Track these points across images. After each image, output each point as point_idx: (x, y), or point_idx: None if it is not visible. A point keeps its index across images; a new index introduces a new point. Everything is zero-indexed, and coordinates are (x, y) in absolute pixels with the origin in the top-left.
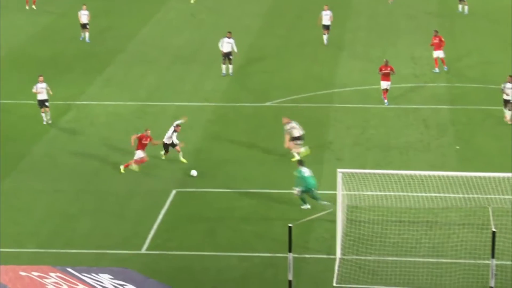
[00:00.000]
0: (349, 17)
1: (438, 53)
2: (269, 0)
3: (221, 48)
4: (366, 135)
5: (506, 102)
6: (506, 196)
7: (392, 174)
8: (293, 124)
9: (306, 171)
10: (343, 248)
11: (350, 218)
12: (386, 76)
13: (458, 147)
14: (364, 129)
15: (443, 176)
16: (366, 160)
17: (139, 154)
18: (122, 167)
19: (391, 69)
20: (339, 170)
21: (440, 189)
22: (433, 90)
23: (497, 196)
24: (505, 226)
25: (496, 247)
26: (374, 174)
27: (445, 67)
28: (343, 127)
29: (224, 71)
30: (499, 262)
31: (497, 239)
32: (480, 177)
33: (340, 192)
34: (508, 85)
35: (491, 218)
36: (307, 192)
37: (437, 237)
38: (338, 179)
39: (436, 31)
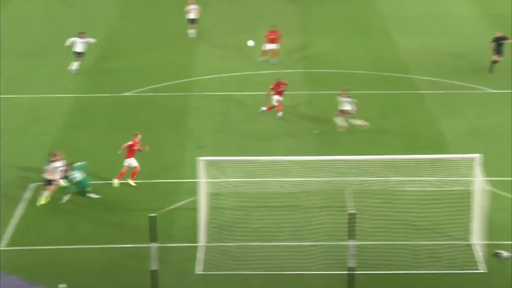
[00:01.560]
0: (207, 3)
1: (271, 46)
2: None
3: (67, 44)
4: (227, 122)
5: (342, 111)
6: (362, 178)
7: (254, 161)
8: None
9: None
10: (207, 235)
11: (213, 206)
12: (279, 93)
13: (316, 132)
14: (224, 117)
15: (303, 161)
16: (227, 147)
17: (133, 162)
18: (116, 181)
19: (284, 85)
20: (200, 158)
21: (301, 173)
22: (291, 76)
23: (353, 178)
24: (362, 207)
25: (354, 228)
26: (236, 161)
27: (276, 60)
28: (203, 115)
29: (75, 67)
30: (358, 243)
31: (355, 220)
32: (338, 160)
33: (202, 180)
34: (342, 98)
35: (348, 200)
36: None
37: (298, 221)
38: (199, 167)
39: (274, 26)
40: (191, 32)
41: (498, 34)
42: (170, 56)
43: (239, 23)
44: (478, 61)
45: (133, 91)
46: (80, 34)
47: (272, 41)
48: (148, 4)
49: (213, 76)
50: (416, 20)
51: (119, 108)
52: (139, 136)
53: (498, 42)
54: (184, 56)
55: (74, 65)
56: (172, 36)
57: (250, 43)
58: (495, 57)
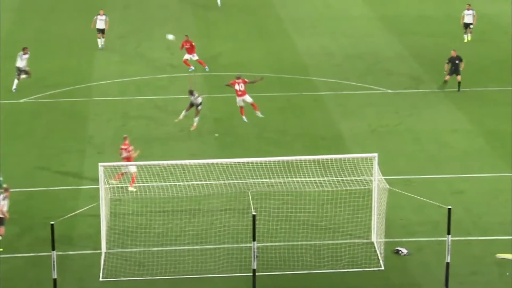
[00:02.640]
0: (103, 9)
1: (191, 56)
2: None
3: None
4: (127, 127)
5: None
6: (263, 180)
7: (154, 165)
8: None
9: None
10: (108, 242)
11: (114, 212)
12: (242, 92)
13: (217, 135)
14: (124, 122)
15: (204, 164)
16: None
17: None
18: (131, 188)
19: (245, 82)
20: (100, 164)
21: (202, 177)
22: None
23: (255, 181)
24: (264, 209)
25: (256, 229)
26: (136, 165)
27: (206, 67)
28: (103, 120)
29: (15, 86)
30: (260, 244)
31: (257, 222)
32: (239, 162)
33: (103, 186)
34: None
35: (251, 202)
36: None
37: (201, 224)
38: (100, 173)
39: (187, 36)
40: (100, 41)
41: (453, 53)
42: (67, 62)
43: (136, 28)
44: (375, 62)
45: (29, 98)
46: (24, 50)
47: (190, 51)
48: (44, 9)
49: (112, 81)
50: (314, 21)
51: (15, 115)
52: (128, 139)
53: (454, 62)
54: (82, 62)
55: (15, 84)
56: (69, 42)
57: (170, 37)
58: (447, 77)
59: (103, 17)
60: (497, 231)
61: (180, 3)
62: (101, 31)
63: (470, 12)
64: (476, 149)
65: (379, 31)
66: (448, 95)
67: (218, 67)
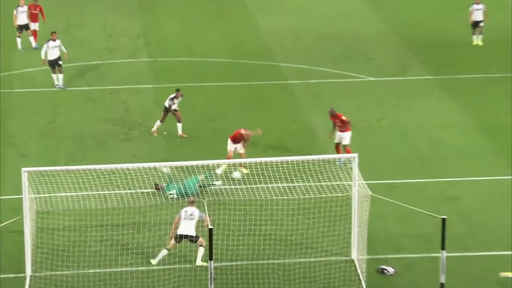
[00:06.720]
0: None
1: (34, 25)
2: None
3: (43, 57)
4: (56, 124)
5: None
6: (222, 187)
7: (90, 170)
8: None
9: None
10: (34, 263)
11: (41, 227)
12: (343, 128)
13: (165, 133)
14: (53, 117)
15: (149, 168)
16: (58, 155)
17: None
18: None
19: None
20: (24, 169)
21: (148, 184)
22: (133, 67)
23: (212, 187)
24: (222, 221)
25: (214, 246)
26: (68, 171)
27: (36, 44)
28: (27, 116)
29: (56, 81)
30: (218, 264)
31: (214, 237)
32: (193, 165)
33: (27, 196)
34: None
35: (206, 213)
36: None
37: (147, 241)
38: (23, 180)
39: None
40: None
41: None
42: None
43: (65, 2)
44: (352, 45)
45: None
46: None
47: (34, 18)
48: None
49: (37, 68)
50: None
51: None
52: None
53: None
54: None
55: (55, 79)
56: None
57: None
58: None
59: (24, 8)
60: (499, 245)
61: None
62: (24, 27)
63: (481, 7)
64: (474, 147)
65: (357, 9)
66: (441, 82)
67: (165, 51)
